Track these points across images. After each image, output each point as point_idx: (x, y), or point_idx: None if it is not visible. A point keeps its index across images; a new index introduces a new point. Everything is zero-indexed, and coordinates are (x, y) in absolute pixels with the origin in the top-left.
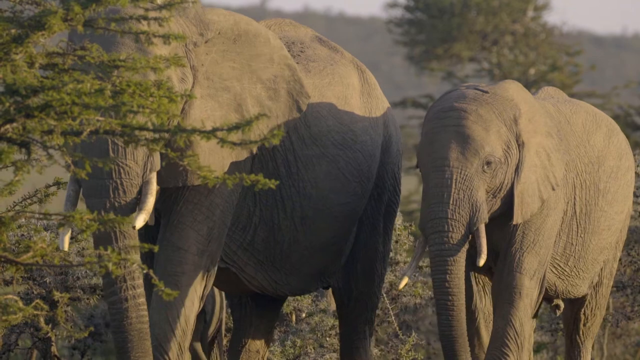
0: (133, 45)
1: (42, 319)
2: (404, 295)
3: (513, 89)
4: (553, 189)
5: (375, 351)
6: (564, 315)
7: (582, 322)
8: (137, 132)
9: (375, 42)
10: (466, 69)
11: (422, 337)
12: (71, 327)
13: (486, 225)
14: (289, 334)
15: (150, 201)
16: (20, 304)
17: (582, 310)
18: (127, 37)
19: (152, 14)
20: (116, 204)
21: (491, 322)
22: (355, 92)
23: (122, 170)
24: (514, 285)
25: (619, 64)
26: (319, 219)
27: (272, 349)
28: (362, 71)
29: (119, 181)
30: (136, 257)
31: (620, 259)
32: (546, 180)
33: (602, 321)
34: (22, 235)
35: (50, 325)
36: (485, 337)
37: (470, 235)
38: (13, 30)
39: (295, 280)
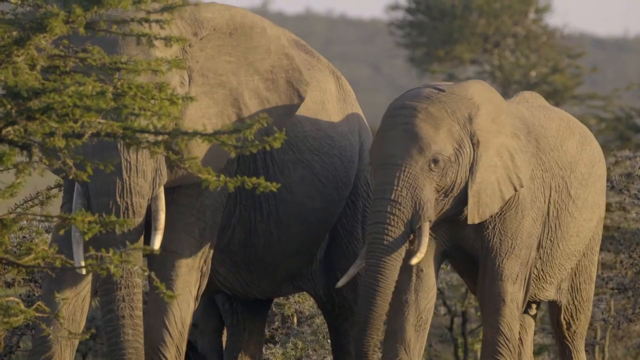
0: (135, 48)
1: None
2: None
3: (475, 89)
4: (516, 190)
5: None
6: (551, 320)
7: (564, 326)
8: (138, 135)
9: (377, 44)
10: (467, 71)
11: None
12: None
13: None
14: (290, 336)
15: (163, 218)
16: (22, 306)
17: (562, 315)
18: (130, 40)
19: (153, 17)
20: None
21: (421, 318)
22: (332, 98)
23: (132, 190)
24: (497, 293)
25: (620, 66)
26: (293, 223)
27: (273, 350)
28: (337, 77)
29: (129, 201)
30: (137, 260)
31: (622, 261)
32: (508, 180)
33: (603, 323)
34: (24, 237)
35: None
36: (411, 332)
37: (419, 234)
38: (14, 33)
39: (267, 282)
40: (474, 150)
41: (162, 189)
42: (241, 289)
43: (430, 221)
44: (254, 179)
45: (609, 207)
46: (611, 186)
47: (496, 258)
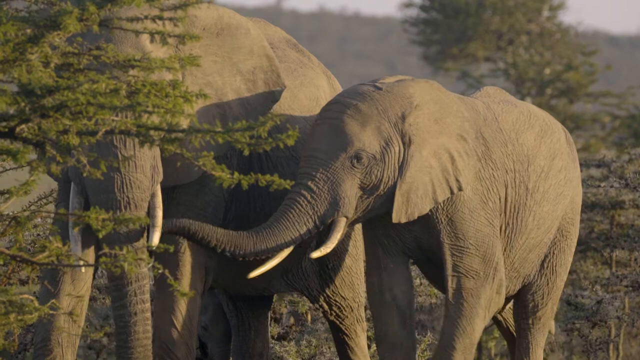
0: (129, 44)
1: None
2: (420, 295)
3: (417, 88)
4: (452, 193)
5: None
6: (515, 304)
7: (529, 307)
8: (151, 132)
9: (391, 41)
10: (481, 69)
11: (438, 337)
12: (87, 326)
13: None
14: (304, 333)
15: (160, 215)
16: (36, 303)
17: (530, 293)
18: (124, 36)
19: (167, 14)
20: None
21: (404, 313)
22: (326, 95)
23: (132, 184)
24: (456, 288)
25: (634, 63)
26: None
27: (287, 348)
28: (328, 76)
29: (130, 195)
30: (150, 259)
31: (636, 259)
32: (444, 182)
33: (617, 321)
34: (38, 235)
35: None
36: (400, 331)
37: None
38: (28, 30)
39: (258, 279)
40: (404, 149)
41: (158, 186)
42: (234, 285)
43: (347, 217)
44: (267, 176)
45: (622, 205)
46: (625, 184)
47: (452, 257)
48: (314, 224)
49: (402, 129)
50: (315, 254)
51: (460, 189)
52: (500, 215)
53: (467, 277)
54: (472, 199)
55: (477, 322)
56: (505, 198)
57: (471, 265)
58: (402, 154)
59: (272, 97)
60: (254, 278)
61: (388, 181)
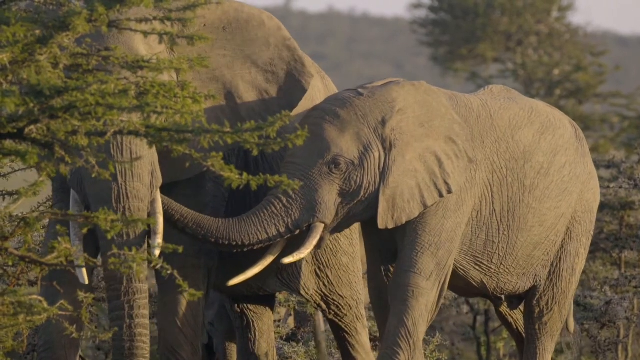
0: (120, 42)
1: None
2: None
3: (401, 92)
4: (442, 196)
5: None
6: (524, 308)
7: (535, 313)
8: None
9: (400, 42)
10: (490, 70)
11: (447, 338)
12: (95, 327)
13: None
14: (313, 334)
15: (161, 221)
16: (45, 304)
17: (536, 299)
18: (119, 40)
19: (175, 15)
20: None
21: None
22: (321, 95)
23: (129, 194)
24: (408, 285)
25: None
26: None
27: (296, 349)
28: (322, 77)
29: (126, 206)
30: (158, 260)
31: None
32: (432, 186)
33: (626, 322)
34: None
35: (74, 326)
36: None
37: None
38: (37, 31)
39: (254, 278)
40: (385, 155)
41: (158, 192)
42: (230, 286)
43: (324, 223)
44: (276, 177)
45: (632, 206)
46: (634, 184)
47: (411, 251)
48: (286, 228)
49: (382, 134)
50: (287, 260)
51: (449, 191)
52: (472, 222)
53: (421, 275)
54: (449, 198)
55: (421, 324)
56: (492, 198)
57: (428, 265)
58: (382, 160)
59: (301, 87)
60: (253, 279)
61: (369, 187)
